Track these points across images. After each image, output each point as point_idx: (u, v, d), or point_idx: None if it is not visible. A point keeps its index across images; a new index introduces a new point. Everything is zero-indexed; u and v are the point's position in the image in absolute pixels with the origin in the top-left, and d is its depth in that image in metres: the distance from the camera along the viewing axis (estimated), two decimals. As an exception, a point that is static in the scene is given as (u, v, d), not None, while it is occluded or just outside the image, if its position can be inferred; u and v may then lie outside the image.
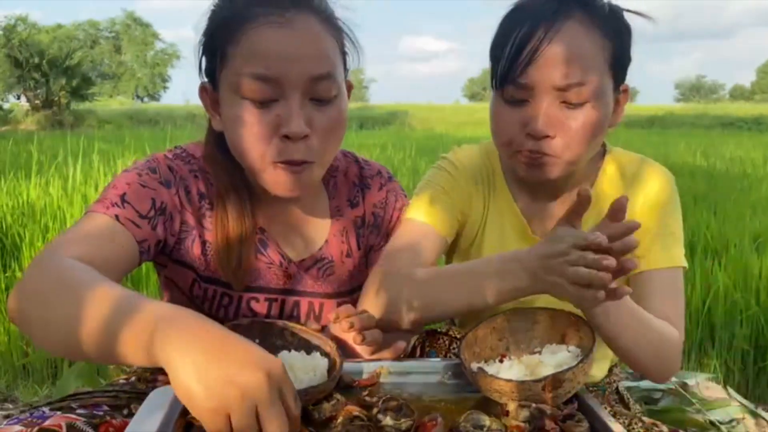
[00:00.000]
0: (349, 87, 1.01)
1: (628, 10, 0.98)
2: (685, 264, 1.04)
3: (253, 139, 0.89)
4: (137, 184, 0.92)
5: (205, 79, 0.97)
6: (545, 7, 0.94)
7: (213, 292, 1.01)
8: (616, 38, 0.96)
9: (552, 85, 0.93)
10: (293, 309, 1.04)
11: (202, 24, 0.94)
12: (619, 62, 0.97)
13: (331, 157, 0.97)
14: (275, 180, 0.92)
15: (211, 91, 0.96)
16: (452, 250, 1.15)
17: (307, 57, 0.87)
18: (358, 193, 1.10)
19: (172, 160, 0.99)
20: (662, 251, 1.02)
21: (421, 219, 1.06)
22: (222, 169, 0.98)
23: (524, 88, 0.94)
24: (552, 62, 0.92)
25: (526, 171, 1.00)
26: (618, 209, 0.81)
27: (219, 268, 0.99)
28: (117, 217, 0.87)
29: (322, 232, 1.07)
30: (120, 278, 0.87)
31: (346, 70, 0.98)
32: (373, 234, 1.11)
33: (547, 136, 0.95)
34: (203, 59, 0.96)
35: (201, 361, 0.57)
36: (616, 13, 0.97)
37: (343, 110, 0.94)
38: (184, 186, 0.97)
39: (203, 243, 0.99)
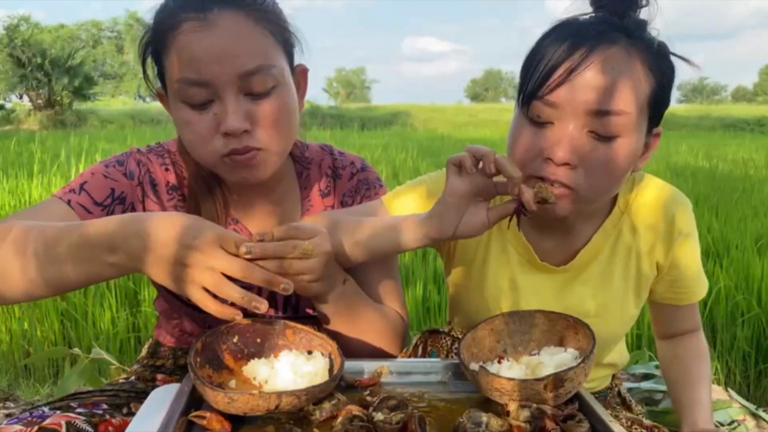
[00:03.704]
0: (304, 72, 1.02)
1: (675, 54, 0.91)
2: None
3: (197, 139, 0.92)
4: (101, 174, 0.98)
5: (159, 85, 0.99)
6: (589, 29, 0.87)
7: None
8: (660, 76, 0.88)
9: (583, 109, 0.84)
10: (269, 298, 1.04)
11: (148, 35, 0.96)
12: (657, 102, 0.90)
13: (285, 144, 0.97)
14: (229, 172, 0.94)
15: (164, 95, 0.99)
16: (449, 260, 1.11)
17: (233, 54, 0.87)
18: (330, 183, 1.11)
19: (145, 154, 1.03)
20: (701, 284, 1.08)
21: (391, 207, 1.03)
22: (192, 162, 1.01)
23: (552, 107, 0.86)
24: (588, 84, 0.84)
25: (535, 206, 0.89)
26: None
27: None
28: (69, 201, 0.93)
29: (293, 222, 1.07)
30: None
31: (291, 59, 0.98)
32: None
33: (567, 164, 0.86)
34: (153, 66, 0.97)
35: (159, 267, 0.75)
36: (663, 50, 0.90)
37: (284, 100, 0.93)
38: (149, 179, 1.02)
39: None
